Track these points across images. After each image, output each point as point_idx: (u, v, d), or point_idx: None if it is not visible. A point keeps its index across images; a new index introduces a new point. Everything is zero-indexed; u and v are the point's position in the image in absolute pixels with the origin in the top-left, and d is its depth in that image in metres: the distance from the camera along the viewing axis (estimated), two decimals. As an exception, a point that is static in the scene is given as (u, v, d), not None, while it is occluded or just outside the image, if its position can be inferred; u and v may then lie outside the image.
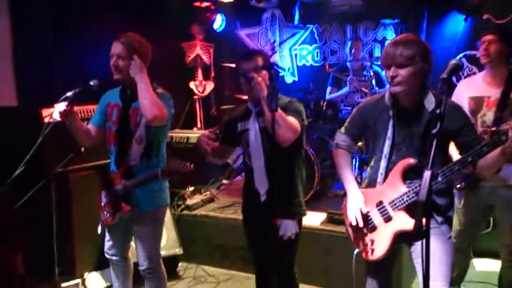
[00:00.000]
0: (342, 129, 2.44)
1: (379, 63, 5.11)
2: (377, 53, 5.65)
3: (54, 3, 3.89)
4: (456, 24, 5.06)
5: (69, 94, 2.47)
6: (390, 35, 5.63)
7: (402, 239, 2.19)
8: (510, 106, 2.69)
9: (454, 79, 5.04)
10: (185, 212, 4.26)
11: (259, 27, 6.35)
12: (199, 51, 5.86)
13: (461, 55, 4.96)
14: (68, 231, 3.67)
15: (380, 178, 2.21)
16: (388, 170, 2.19)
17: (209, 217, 4.18)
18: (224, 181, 5.08)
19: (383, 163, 2.20)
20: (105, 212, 2.75)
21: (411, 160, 2.11)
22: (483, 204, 2.88)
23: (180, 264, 4.06)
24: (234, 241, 3.93)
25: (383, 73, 5.01)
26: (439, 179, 1.99)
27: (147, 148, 2.65)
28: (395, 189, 2.15)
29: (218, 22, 5.95)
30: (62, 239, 3.54)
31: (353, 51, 5.11)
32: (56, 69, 4.04)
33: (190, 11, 5.67)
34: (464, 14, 4.94)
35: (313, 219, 3.81)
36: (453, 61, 1.72)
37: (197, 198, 4.47)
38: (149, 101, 2.49)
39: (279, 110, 2.22)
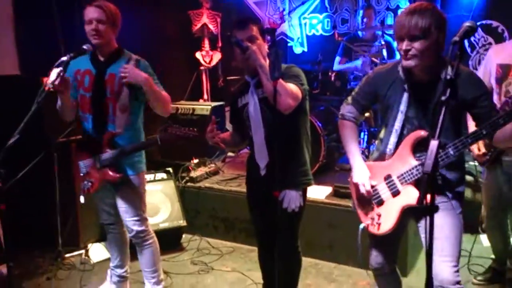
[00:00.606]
0: (349, 99, 2.31)
1: (391, 32, 4.94)
2: (389, 21, 5.45)
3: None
4: (472, -7, 4.85)
5: (64, 58, 2.39)
6: (404, 3, 5.41)
7: (410, 214, 2.11)
8: None
9: (468, 48, 4.88)
10: (189, 184, 4.22)
11: (268, -6, 6.17)
12: (206, 20, 5.71)
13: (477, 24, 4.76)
14: (71, 202, 3.67)
15: (389, 152, 2.12)
16: (398, 145, 2.09)
17: (214, 189, 4.13)
18: (230, 154, 5.02)
19: (393, 138, 2.10)
20: (86, 182, 2.72)
21: (422, 132, 2.01)
22: (504, 177, 2.78)
23: (184, 236, 4.04)
24: (238, 214, 3.90)
25: (394, 43, 4.83)
26: (451, 152, 1.90)
27: (130, 118, 2.66)
28: (404, 162, 2.06)
29: (226, -10, 5.78)
30: (65, 210, 3.55)
31: (365, 20, 4.92)
32: (59, 39, 3.97)
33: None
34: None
35: (319, 192, 3.74)
36: (466, 23, 1.58)
37: (201, 170, 4.42)
38: None
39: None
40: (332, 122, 4.46)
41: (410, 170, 2.04)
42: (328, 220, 3.60)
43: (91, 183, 2.70)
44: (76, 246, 3.77)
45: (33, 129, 2.08)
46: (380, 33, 4.62)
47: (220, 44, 5.86)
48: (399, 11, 5.35)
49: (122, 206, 2.77)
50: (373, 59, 4.50)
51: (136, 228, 2.79)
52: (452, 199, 2.06)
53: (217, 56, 5.82)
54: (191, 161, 4.51)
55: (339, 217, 3.52)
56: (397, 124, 2.08)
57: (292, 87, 2.25)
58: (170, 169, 4.18)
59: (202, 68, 5.78)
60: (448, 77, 1.46)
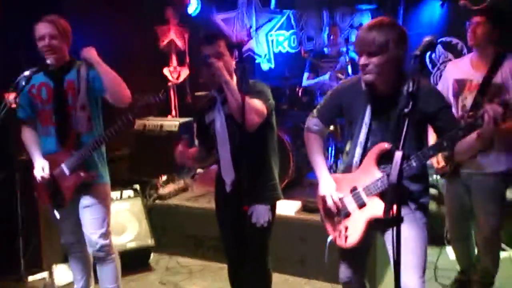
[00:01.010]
0: (314, 112, 2.34)
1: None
2: (353, 38, 5.58)
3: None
4: (433, 10, 5.04)
5: (26, 73, 2.36)
6: (367, 21, 5.54)
7: (376, 226, 2.13)
8: (491, 92, 2.63)
9: (429, 64, 5.05)
10: (157, 201, 4.15)
11: (235, 11, 6.22)
12: (173, 36, 5.70)
13: (437, 38, 4.93)
14: (34, 222, 3.54)
15: (355, 164, 2.15)
16: (363, 157, 2.12)
17: (182, 207, 4.08)
18: (199, 170, 4.98)
19: (358, 149, 2.13)
20: (57, 197, 2.68)
21: (386, 145, 2.05)
22: (463, 188, 2.86)
23: (152, 255, 3.95)
24: (208, 231, 3.85)
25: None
26: (414, 164, 1.94)
27: (90, 115, 2.66)
28: (369, 174, 2.09)
29: (193, 6, 5.81)
30: (28, 230, 3.42)
31: (331, 37, 5.03)
32: (22, 53, 3.87)
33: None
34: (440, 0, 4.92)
35: (288, 208, 3.75)
36: (427, 38, 1.63)
37: (170, 188, 4.36)
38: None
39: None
40: (300, 137, 4.48)
41: (375, 182, 2.07)
42: (298, 235, 3.60)
43: (63, 196, 2.64)
44: (39, 268, 3.63)
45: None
46: (345, 49, 4.73)
47: (188, 60, 5.85)
48: (362, 28, 5.53)
49: (88, 217, 2.70)
50: (339, 75, 4.60)
51: (101, 241, 2.72)
52: (415, 210, 2.09)
53: (185, 72, 5.81)
54: (159, 178, 4.44)
55: (310, 232, 3.53)
56: (362, 136, 2.11)
57: (256, 103, 2.26)
58: (138, 187, 4.10)
59: (169, 84, 5.74)
60: (410, 90, 1.50)
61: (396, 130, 2.03)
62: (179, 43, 5.74)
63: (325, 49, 5.01)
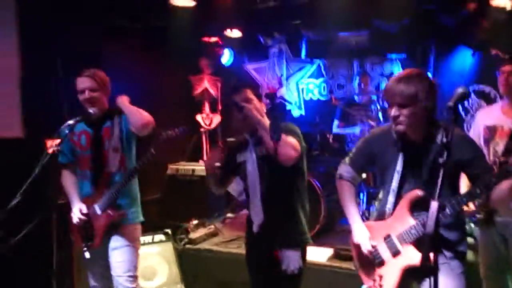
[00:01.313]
0: (347, 160, 2.36)
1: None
2: (383, 87, 5.64)
3: (63, 35, 3.95)
4: (464, 59, 5.07)
5: (70, 122, 2.49)
6: (397, 70, 5.63)
7: (411, 275, 2.08)
8: None
9: (463, 111, 5.02)
10: (187, 246, 4.16)
11: (266, 61, 6.42)
12: (207, 84, 5.92)
13: (469, 89, 4.93)
14: (68, 265, 3.59)
15: (388, 211, 2.13)
16: (396, 204, 2.11)
17: (213, 252, 4.07)
18: (229, 215, 4.99)
19: (391, 197, 2.12)
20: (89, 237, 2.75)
21: (419, 192, 2.03)
22: (499, 237, 2.77)
23: (181, 300, 3.92)
24: (238, 277, 3.79)
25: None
26: (447, 211, 1.92)
27: (123, 156, 2.75)
28: (402, 222, 2.06)
29: (226, 57, 6.02)
30: (62, 272, 3.46)
31: (361, 85, 5.10)
32: (63, 102, 4.08)
33: (199, 45, 5.75)
34: (472, 48, 4.95)
35: (320, 254, 3.69)
36: (460, 89, 1.67)
37: (200, 232, 4.38)
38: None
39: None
40: (331, 183, 4.45)
41: (408, 230, 2.04)
42: (329, 283, 3.52)
43: (94, 236, 2.70)
44: (71, 310, 3.65)
45: (36, 191, 2.10)
46: (375, 97, 4.78)
47: (220, 107, 6.02)
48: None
49: (116, 259, 2.73)
50: (371, 122, 4.62)
51: (128, 285, 2.73)
52: (451, 259, 2.04)
53: (217, 119, 5.97)
54: (190, 222, 4.47)
55: (341, 280, 3.45)
56: (394, 184, 2.10)
57: (291, 139, 2.31)
58: (169, 231, 4.14)
59: (202, 130, 5.89)
60: (445, 140, 1.52)
61: (429, 177, 2.03)
62: (212, 91, 5.94)
63: (356, 97, 5.06)
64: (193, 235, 4.27)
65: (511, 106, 2.74)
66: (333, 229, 4.42)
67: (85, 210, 2.73)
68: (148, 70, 5.10)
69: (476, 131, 2.87)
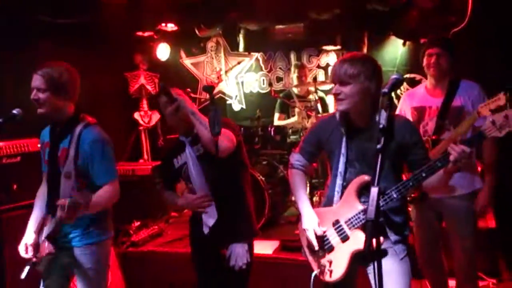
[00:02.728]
0: (297, 149, 2.38)
1: (323, 88, 5.21)
2: (321, 78, 5.75)
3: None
4: (395, 49, 5.26)
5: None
6: (333, 61, 5.75)
7: (358, 260, 2.11)
8: (450, 115, 2.76)
9: (395, 100, 5.20)
10: (130, 249, 4.02)
11: (204, 55, 6.32)
12: (143, 81, 5.75)
13: (403, 76, 5.11)
14: (0, 278, 3.35)
15: (336, 196, 2.15)
16: (343, 188, 2.13)
17: (158, 253, 3.96)
18: (173, 214, 4.89)
19: (338, 181, 2.14)
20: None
21: (366, 177, 2.06)
22: (433, 214, 2.89)
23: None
24: (187, 277, 3.71)
25: (327, 98, 5.08)
26: (394, 195, 1.96)
27: (82, 182, 2.41)
28: (351, 207, 2.09)
29: (162, 52, 5.86)
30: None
31: (300, 78, 5.14)
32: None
33: (133, 40, 5.55)
34: (402, 38, 5.14)
35: (266, 247, 3.70)
36: (393, 76, 1.71)
37: (143, 233, 4.24)
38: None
39: None
40: (275, 176, 4.51)
41: (357, 215, 2.07)
42: (277, 275, 3.53)
43: (37, 258, 2.43)
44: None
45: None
46: (313, 89, 4.84)
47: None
48: (329, 68, 5.71)
49: (78, 282, 2.50)
50: (309, 113, 4.69)
51: None
52: (396, 243, 2.09)
53: (156, 116, 5.81)
54: (132, 224, 4.32)
55: (289, 271, 3.47)
56: (341, 167, 2.14)
57: (224, 130, 2.25)
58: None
59: (141, 128, 5.72)
60: (381, 126, 1.54)
61: (374, 160, 2.05)
62: (149, 87, 5.77)
63: (294, 89, 5.11)
64: (135, 237, 4.13)
65: (435, 87, 2.86)
66: (278, 221, 4.44)
67: (29, 245, 2.45)
68: (81, 68, 4.84)
69: (402, 113, 2.97)
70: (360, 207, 2.07)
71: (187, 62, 6.38)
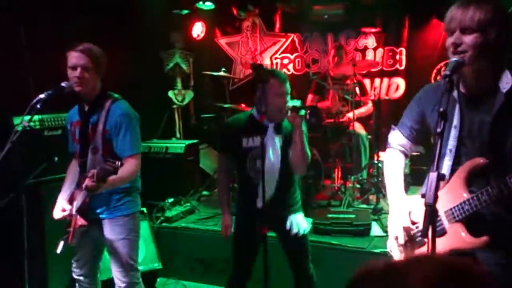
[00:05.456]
0: (398, 125, 1.99)
1: (361, 71, 5.08)
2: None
3: (27, 8, 3.72)
4: (437, 32, 5.09)
5: (42, 96, 2.31)
6: (371, 44, 5.61)
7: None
8: None
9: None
10: (164, 224, 4.09)
11: (239, 35, 6.27)
12: (178, 59, 5.74)
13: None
14: (40, 248, 3.46)
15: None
16: (453, 170, 1.73)
17: (190, 229, 4.01)
18: (204, 192, 4.93)
19: (447, 160, 1.74)
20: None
21: (481, 160, 1.66)
22: None
23: (158, 279, 3.87)
24: (216, 254, 3.77)
25: (365, 81, 4.97)
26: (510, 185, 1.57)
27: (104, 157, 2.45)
28: (456, 195, 1.70)
29: (198, 30, 5.84)
30: (34, 256, 3.34)
31: (335, 59, 5.04)
32: (29, 77, 3.86)
33: (169, 18, 5.55)
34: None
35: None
36: (454, 58, 1.59)
37: (176, 210, 4.30)
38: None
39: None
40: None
41: (460, 205, 1.69)
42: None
43: (69, 232, 2.48)
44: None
45: (3, 170, 1.97)
46: (350, 72, 4.74)
47: (192, 83, 5.87)
48: (367, 51, 5.57)
49: (110, 254, 2.59)
50: (346, 96, 4.60)
51: (128, 280, 2.59)
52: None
53: (189, 95, 5.82)
54: (166, 201, 4.39)
55: (320, 255, 3.45)
56: (451, 143, 1.73)
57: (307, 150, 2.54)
58: (144, 209, 4.04)
59: (174, 106, 5.75)
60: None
61: (489, 137, 1.66)
62: (184, 66, 5.77)
63: (331, 72, 5.02)
64: (169, 214, 4.19)
65: None
66: (310, 205, 4.42)
67: (66, 209, 2.50)
68: (118, 46, 4.89)
69: None
70: (466, 195, 1.68)
71: (222, 41, 6.34)
